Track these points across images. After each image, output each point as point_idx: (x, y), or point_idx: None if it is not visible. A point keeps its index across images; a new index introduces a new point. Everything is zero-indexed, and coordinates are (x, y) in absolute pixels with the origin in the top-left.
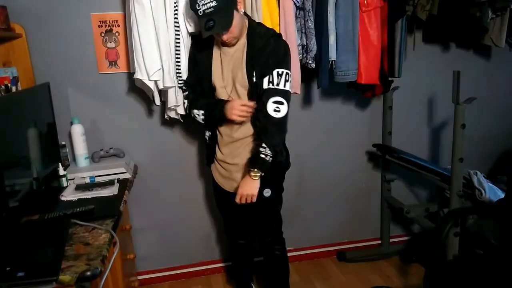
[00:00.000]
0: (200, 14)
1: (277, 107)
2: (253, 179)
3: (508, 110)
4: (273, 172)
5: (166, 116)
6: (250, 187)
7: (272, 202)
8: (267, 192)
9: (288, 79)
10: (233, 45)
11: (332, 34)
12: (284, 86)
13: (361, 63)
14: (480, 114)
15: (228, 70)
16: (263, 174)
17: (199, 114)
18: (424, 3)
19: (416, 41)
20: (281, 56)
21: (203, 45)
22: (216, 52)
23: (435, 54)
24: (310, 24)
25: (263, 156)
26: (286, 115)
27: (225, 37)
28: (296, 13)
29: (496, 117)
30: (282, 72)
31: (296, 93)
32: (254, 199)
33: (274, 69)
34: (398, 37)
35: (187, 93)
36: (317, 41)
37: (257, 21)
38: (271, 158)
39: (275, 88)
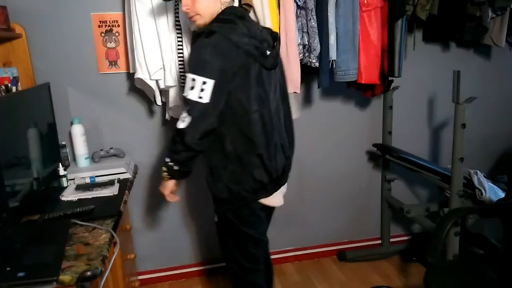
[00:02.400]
0: None
1: (183, 117)
2: (163, 178)
3: (508, 110)
4: (217, 205)
5: (167, 116)
6: (161, 185)
7: (219, 227)
8: (215, 217)
9: (194, 86)
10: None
11: (332, 33)
12: (188, 94)
13: (361, 63)
14: (480, 114)
15: None
16: (170, 177)
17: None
18: (424, 3)
19: (416, 41)
20: (195, 59)
21: None
22: None
23: (435, 54)
24: (313, 23)
25: (167, 159)
26: (191, 128)
27: (183, 3)
28: (297, 12)
29: (496, 117)
30: (190, 77)
31: (295, 92)
32: (167, 199)
33: (188, 73)
34: (398, 36)
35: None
36: (318, 40)
37: (261, 19)
38: (175, 167)
39: (184, 95)
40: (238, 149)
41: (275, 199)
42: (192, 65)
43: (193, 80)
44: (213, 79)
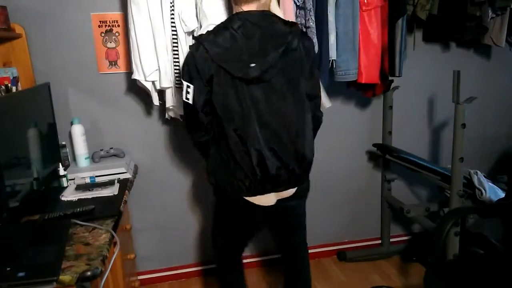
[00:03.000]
0: None
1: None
2: None
3: (508, 110)
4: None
5: (166, 116)
6: None
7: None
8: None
9: (183, 88)
10: None
11: (332, 33)
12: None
13: (362, 63)
14: (480, 114)
15: None
16: None
17: None
18: (424, 3)
19: (416, 40)
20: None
21: None
22: None
23: (435, 54)
24: (311, 24)
25: None
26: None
27: None
28: (296, 13)
29: (496, 117)
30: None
31: None
32: None
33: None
34: (398, 36)
35: None
36: (317, 41)
37: None
38: None
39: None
40: (222, 148)
41: (261, 198)
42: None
43: (182, 83)
44: (193, 84)
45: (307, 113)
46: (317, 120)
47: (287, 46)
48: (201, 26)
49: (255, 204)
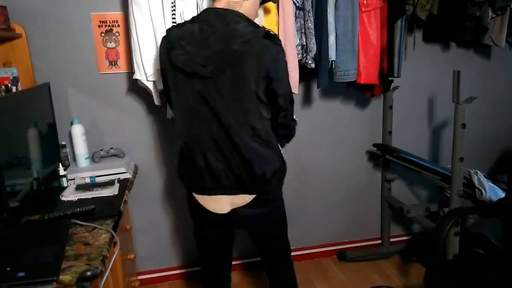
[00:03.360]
0: None
1: None
2: None
3: (508, 110)
4: None
5: (168, 115)
6: None
7: None
8: None
9: None
10: None
11: (332, 34)
12: None
13: (361, 63)
14: (480, 114)
15: None
16: None
17: None
18: (424, 3)
19: (416, 40)
20: None
21: None
22: None
23: (435, 54)
24: (310, 24)
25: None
26: None
27: None
28: (295, 13)
29: (496, 117)
30: None
31: (294, 92)
32: None
33: None
34: (397, 37)
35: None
36: (317, 41)
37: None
38: None
39: None
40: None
41: (210, 202)
42: None
43: None
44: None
45: (253, 116)
46: (282, 127)
47: (230, 46)
48: None
49: (208, 211)
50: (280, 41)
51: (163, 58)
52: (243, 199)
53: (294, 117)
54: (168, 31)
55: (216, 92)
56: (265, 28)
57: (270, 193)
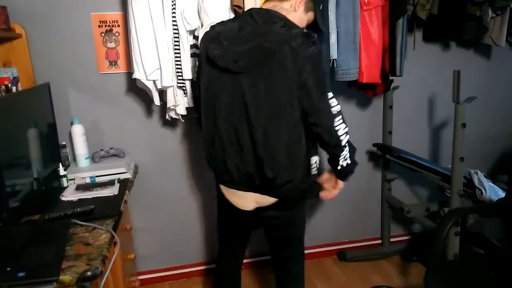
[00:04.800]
0: None
1: None
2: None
3: (508, 109)
4: None
5: (167, 116)
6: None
7: None
8: None
9: None
10: None
11: (333, 33)
12: None
13: (362, 62)
14: (480, 113)
15: None
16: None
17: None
18: (424, 3)
19: (416, 40)
20: None
21: None
22: None
23: (436, 54)
24: None
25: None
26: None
27: None
28: None
29: (496, 116)
30: None
31: None
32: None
33: None
34: (399, 35)
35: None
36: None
37: None
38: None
39: None
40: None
41: (234, 198)
42: None
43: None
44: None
45: (284, 116)
46: (316, 137)
47: (263, 43)
48: (202, 25)
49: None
50: (318, 41)
51: (201, 51)
52: (264, 199)
53: (337, 124)
54: (211, 27)
55: (247, 88)
56: (303, 29)
57: (289, 201)
